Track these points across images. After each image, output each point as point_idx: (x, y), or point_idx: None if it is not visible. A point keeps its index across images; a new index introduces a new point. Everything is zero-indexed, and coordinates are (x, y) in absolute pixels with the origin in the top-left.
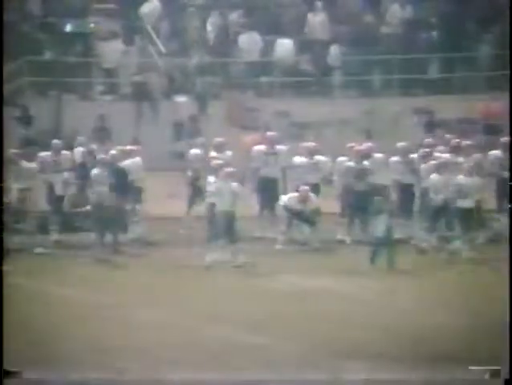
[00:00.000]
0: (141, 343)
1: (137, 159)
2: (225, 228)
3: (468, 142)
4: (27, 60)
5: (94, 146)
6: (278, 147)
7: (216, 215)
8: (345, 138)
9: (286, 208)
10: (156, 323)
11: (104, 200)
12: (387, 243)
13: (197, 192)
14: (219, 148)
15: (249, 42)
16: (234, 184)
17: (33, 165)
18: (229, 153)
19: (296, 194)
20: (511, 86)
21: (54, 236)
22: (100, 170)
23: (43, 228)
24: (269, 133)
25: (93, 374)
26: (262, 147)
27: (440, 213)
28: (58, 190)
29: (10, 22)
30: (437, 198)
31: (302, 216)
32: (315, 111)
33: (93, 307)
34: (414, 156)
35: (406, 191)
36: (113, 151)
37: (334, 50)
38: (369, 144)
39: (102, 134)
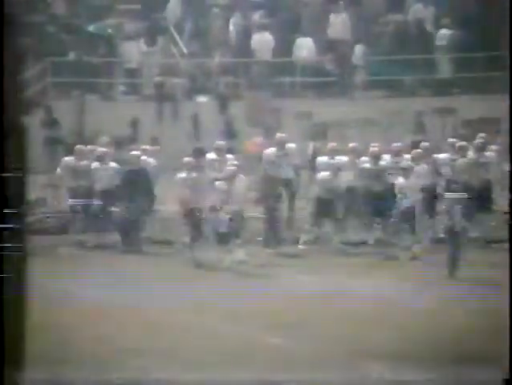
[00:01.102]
0: (164, 344)
1: (151, 160)
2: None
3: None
4: (51, 61)
5: (113, 147)
6: (288, 146)
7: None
8: (368, 138)
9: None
10: (178, 324)
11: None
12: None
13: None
14: (220, 151)
15: (262, 41)
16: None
17: (57, 168)
18: (230, 156)
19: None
20: (511, 86)
21: (78, 236)
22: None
23: (67, 229)
24: (279, 134)
25: (116, 374)
26: (272, 150)
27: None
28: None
29: (36, 23)
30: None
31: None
32: (338, 111)
33: (117, 308)
34: (437, 156)
35: (428, 191)
36: (134, 152)
37: (358, 49)
38: (399, 144)
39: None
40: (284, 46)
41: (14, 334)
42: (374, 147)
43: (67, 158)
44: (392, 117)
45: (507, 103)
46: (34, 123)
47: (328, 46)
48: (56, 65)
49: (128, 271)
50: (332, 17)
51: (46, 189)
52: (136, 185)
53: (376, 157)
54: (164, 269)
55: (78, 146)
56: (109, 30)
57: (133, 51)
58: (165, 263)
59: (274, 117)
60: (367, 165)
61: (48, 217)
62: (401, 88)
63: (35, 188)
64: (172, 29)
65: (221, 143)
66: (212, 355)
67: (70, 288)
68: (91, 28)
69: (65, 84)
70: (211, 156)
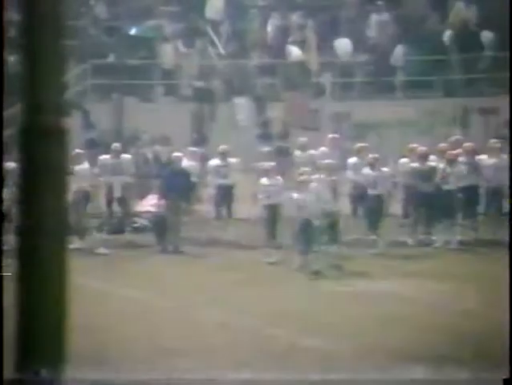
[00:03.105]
0: (202, 344)
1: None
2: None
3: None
4: (91, 63)
5: (158, 147)
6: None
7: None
8: (407, 139)
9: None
10: (217, 324)
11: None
12: None
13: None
14: (223, 156)
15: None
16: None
17: (94, 168)
18: (233, 160)
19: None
20: (511, 86)
21: (115, 236)
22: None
23: (104, 229)
24: (330, 135)
25: (155, 375)
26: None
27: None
28: (118, 192)
29: (79, 26)
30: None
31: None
32: (377, 111)
33: (154, 307)
34: (480, 157)
35: (471, 192)
36: (176, 153)
37: (398, 50)
38: (445, 145)
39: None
40: (323, 47)
41: (53, 335)
42: (420, 147)
43: (103, 156)
44: (433, 117)
45: (507, 103)
46: (74, 125)
47: (367, 46)
48: (96, 67)
49: (165, 271)
50: (372, 17)
51: (87, 189)
52: (176, 186)
53: (424, 157)
54: (202, 269)
55: (114, 144)
56: (149, 32)
57: (171, 53)
58: (203, 263)
59: (312, 118)
60: (416, 165)
61: (87, 217)
62: (442, 88)
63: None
64: (210, 30)
65: (224, 147)
66: (250, 355)
67: (107, 288)
68: (131, 30)
69: (105, 86)
70: (215, 161)
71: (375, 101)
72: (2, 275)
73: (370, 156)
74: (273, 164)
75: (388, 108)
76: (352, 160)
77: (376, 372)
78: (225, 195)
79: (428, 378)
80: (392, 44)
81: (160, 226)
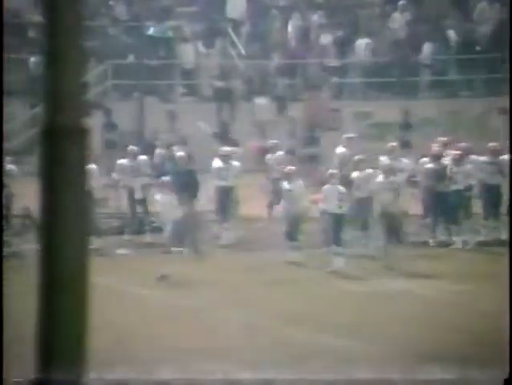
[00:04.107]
0: (222, 344)
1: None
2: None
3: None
4: (111, 63)
5: (174, 148)
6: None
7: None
8: (428, 138)
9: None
10: (237, 324)
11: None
12: None
13: (277, 194)
14: (225, 158)
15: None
16: (340, 187)
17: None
18: (236, 163)
19: None
20: (511, 86)
21: (135, 237)
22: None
23: (124, 230)
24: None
25: (173, 374)
26: (343, 149)
27: None
28: (138, 194)
29: (99, 27)
30: None
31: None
32: (398, 111)
33: (174, 308)
34: (504, 157)
35: (492, 192)
36: (180, 153)
37: (427, 48)
38: (464, 145)
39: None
40: (344, 47)
41: (75, 335)
42: (436, 147)
43: (121, 161)
44: (455, 117)
45: (507, 103)
46: (94, 125)
47: (389, 46)
48: (116, 67)
49: (186, 271)
50: (393, 17)
51: (107, 190)
52: (187, 185)
53: (460, 158)
54: (219, 270)
55: (130, 147)
56: (169, 33)
57: (191, 53)
58: (219, 264)
59: (333, 118)
60: (431, 165)
61: (107, 218)
62: (464, 88)
63: (97, 189)
64: (230, 30)
65: (227, 149)
66: (271, 355)
67: (126, 287)
68: (150, 31)
69: (125, 86)
70: (217, 163)
71: (397, 101)
72: (2, 275)
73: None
74: (294, 167)
75: (408, 108)
76: (423, 160)
77: (399, 372)
78: (226, 197)
79: (437, 378)
80: (414, 43)
81: (176, 226)
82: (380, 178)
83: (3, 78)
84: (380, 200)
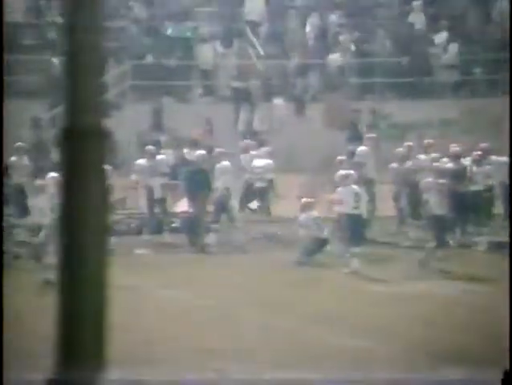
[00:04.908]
0: (240, 344)
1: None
2: (351, 231)
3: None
4: (130, 64)
5: (185, 149)
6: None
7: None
8: (448, 139)
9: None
10: (255, 324)
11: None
12: None
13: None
14: (225, 156)
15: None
16: (357, 187)
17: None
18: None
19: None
20: (511, 86)
21: (154, 236)
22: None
23: (142, 230)
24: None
25: (192, 374)
26: (365, 149)
27: None
28: (157, 193)
29: (118, 27)
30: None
31: None
32: (417, 111)
33: (192, 307)
34: None
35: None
36: (199, 152)
37: (452, 48)
38: (485, 145)
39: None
40: (362, 47)
41: (95, 335)
42: (455, 147)
43: (139, 161)
44: (475, 117)
45: (507, 103)
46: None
47: (407, 46)
48: (135, 68)
49: (203, 271)
50: (411, 17)
51: (125, 191)
52: (199, 184)
53: (481, 159)
54: (238, 269)
55: (148, 147)
56: (188, 33)
57: (209, 53)
58: (239, 263)
59: (352, 118)
60: (450, 165)
61: (126, 218)
62: (484, 87)
63: (115, 189)
64: (248, 31)
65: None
66: (291, 356)
67: (147, 288)
68: (169, 31)
69: (143, 87)
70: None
71: (416, 101)
72: (2, 276)
73: (474, 153)
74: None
75: (428, 108)
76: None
77: (417, 372)
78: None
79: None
80: (432, 43)
81: (194, 226)
82: (429, 179)
83: (3, 78)
84: (429, 201)
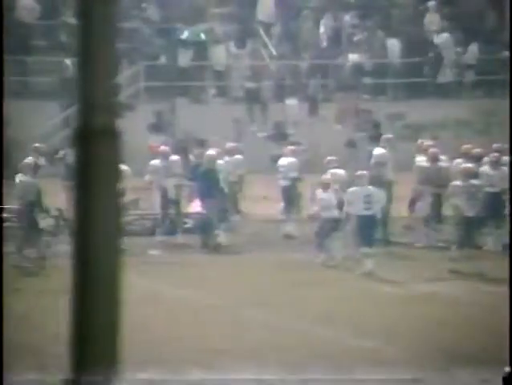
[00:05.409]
0: (249, 344)
1: (237, 156)
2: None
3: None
4: (143, 65)
5: (196, 150)
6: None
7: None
8: (462, 139)
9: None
10: (264, 324)
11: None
12: None
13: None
14: (231, 152)
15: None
16: (370, 188)
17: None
18: (239, 157)
19: None
20: (511, 86)
21: (167, 237)
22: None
23: (155, 231)
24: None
25: (202, 374)
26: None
27: None
28: (171, 194)
29: (132, 28)
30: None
31: None
32: (431, 112)
33: (203, 308)
34: None
35: None
36: (209, 152)
37: (472, 48)
38: (499, 146)
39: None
40: (375, 47)
41: (108, 335)
42: (470, 147)
43: (153, 161)
44: (489, 118)
45: (507, 103)
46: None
47: (421, 46)
48: (148, 69)
49: (213, 271)
50: (427, 17)
51: (139, 191)
52: (211, 185)
53: (497, 160)
54: (248, 269)
55: (162, 147)
56: (201, 34)
57: (223, 54)
58: (250, 264)
59: (365, 118)
60: (466, 166)
61: (139, 219)
62: (499, 88)
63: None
64: (261, 31)
65: (232, 144)
66: (295, 355)
67: (159, 288)
68: (184, 35)
69: (157, 88)
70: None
71: (430, 101)
72: (2, 275)
73: (491, 154)
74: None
75: (442, 109)
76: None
77: (426, 373)
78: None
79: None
80: (447, 44)
81: (207, 227)
82: (458, 182)
83: (3, 78)
84: (456, 203)
